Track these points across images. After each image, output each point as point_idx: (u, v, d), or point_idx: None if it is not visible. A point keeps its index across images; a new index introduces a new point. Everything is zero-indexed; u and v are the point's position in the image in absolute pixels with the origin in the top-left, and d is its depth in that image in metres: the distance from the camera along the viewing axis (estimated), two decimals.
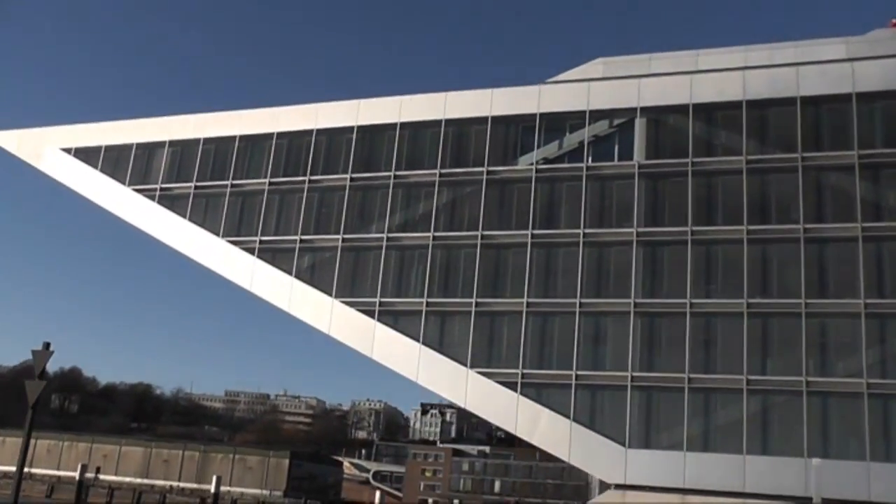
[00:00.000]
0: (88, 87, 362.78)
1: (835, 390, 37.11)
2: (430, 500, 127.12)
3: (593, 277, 41.33)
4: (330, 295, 44.70)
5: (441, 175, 44.67)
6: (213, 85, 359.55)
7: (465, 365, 41.57)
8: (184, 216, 49.40)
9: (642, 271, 40.59)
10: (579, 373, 40.11)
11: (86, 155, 53.52)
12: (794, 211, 39.77)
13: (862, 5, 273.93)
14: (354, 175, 46.32)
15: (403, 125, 46.09)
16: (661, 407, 39.23)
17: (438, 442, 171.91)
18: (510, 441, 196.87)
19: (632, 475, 38.29)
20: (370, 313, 43.82)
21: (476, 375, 41.31)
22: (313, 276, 45.83)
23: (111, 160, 52.79)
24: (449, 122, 45.31)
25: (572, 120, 43.94)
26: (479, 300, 42.35)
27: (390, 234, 44.75)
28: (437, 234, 43.97)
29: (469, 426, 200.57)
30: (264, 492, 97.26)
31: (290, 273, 45.92)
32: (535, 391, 40.56)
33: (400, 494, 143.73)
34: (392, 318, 43.59)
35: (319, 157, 47.48)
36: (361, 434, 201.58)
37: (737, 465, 37.15)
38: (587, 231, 41.69)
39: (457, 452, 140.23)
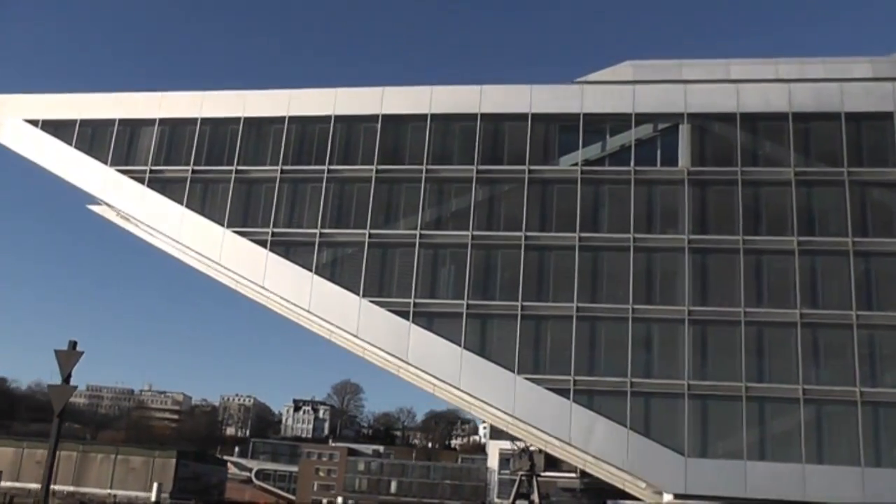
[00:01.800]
0: (50, 54, 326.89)
1: (884, 400, 37.95)
2: (325, 501, 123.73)
3: (642, 283, 40.62)
4: (357, 294, 41.92)
5: (478, 172, 42.74)
6: (197, 60, 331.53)
7: (512, 371, 39.92)
8: (180, 202, 45.16)
9: (692, 278, 40.20)
10: (634, 380, 39.30)
11: (55, 128, 48.18)
12: (835, 223, 40.51)
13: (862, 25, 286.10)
14: (380, 167, 43.65)
15: (434, 117, 43.85)
16: (717, 415, 38.97)
17: (333, 441, 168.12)
18: (387, 439, 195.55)
19: (691, 485, 37.83)
20: (403, 314, 41.40)
21: (524, 382, 39.77)
22: (335, 272, 42.89)
23: (86, 136, 47.74)
24: (485, 116, 43.43)
25: (613, 122, 43.05)
26: (524, 303, 40.78)
27: (423, 232, 42.44)
28: (475, 233, 42.02)
29: (342, 423, 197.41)
30: (150, 494, 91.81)
31: (309, 269, 42.76)
32: (588, 398, 39.47)
33: (285, 494, 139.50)
34: (426, 320, 41.37)
35: (339, 146, 44.49)
36: (230, 431, 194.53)
37: (796, 474, 37.37)
38: (637, 236, 40.90)
39: (352, 452, 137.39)
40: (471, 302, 41.13)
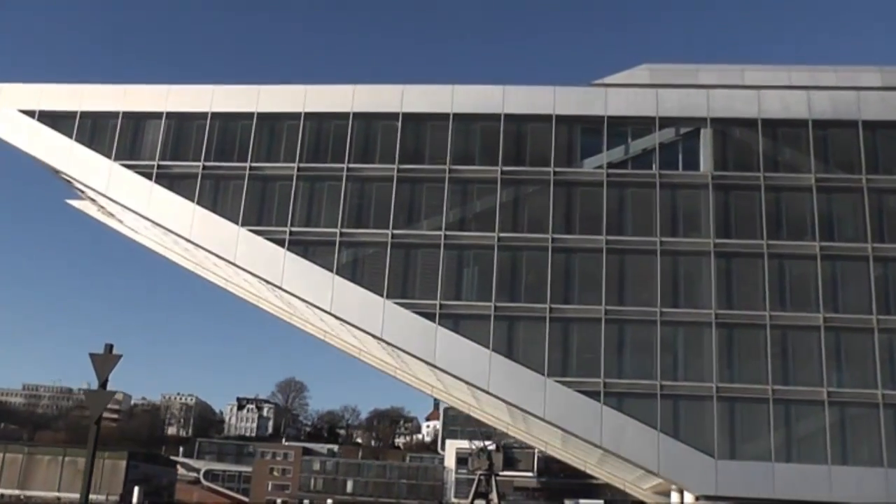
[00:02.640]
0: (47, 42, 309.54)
1: None
2: (279, 501, 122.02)
3: (669, 286, 40.86)
4: (380, 295, 41.20)
5: (503, 173, 42.43)
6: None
7: (542, 373, 39.74)
8: (190, 199, 43.77)
9: (717, 282, 40.59)
10: (663, 383, 39.50)
11: (53, 120, 46.18)
12: (854, 229, 41.38)
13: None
14: (402, 166, 42.99)
15: (457, 116, 43.36)
16: (744, 417, 39.42)
17: (286, 440, 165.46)
18: (331, 438, 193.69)
19: (721, 486, 38.18)
20: (429, 316, 40.86)
21: (554, 384, 39.63)
22: (356, 273, 42.08)
23: (87, 128, 45.89)
24: (508, 117, 43.13)
25: (635, 125, 43.19)
26: (553, 306, 40.64)
27: (448, 233, 41.95)
28: (501, 234, 41.70)
29: (286, 422, 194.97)
30: (99, 497, 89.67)
31: (329, 269, 41.88)
32: (617, 400, 39.53)
33: (234, 494, 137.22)
34: (452, 322, 40.91)
35: (358, 144, 43.67)
36: (171, 430, 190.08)
37: (822, 475, 38.03)
38: (663, 239, 41.12)
39: (306, 451, 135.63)
40: (498, 304, 40.79)
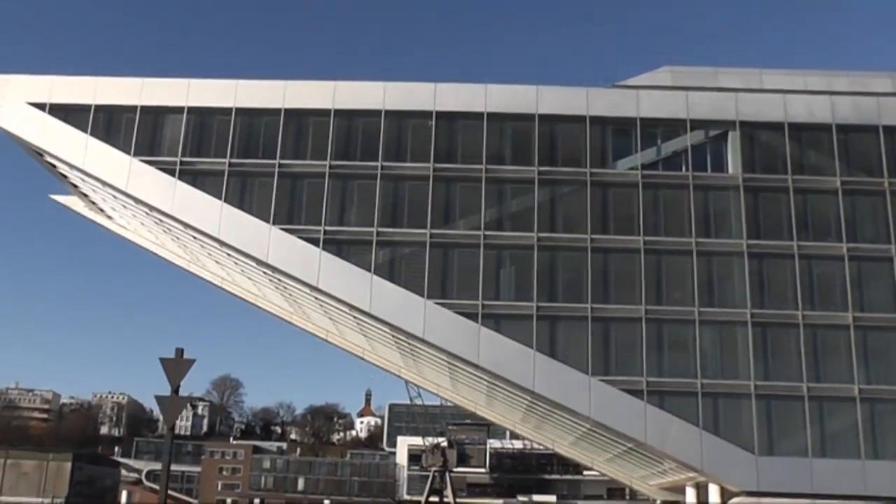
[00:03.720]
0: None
1: None
2: (230, 501, 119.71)
3: (705, 286, 41.62)
4: (420, 295, 40.86)
5: (540, 173, 42.53)
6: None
7: (585, 372, 40.03)
8: (217, 196, 42.58)
9: (749, 282, 41.51)
10: (704, 381, 40.25)
11: (65, 114, 44.37)
12: (876, 231, 42.84)
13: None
14: (438, 165, 42.69)
15: (490, 116, 43.24)
16: (780, 414, 40.43)
17: (233, 439, 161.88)
18: (265, 435, 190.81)
19: (762, 482, 39.10)
20: (471, 317, 40.71)
21: (599, 383, 39.96)
22: (394, 272, 41.62)
23: (103, 123, 44.22)
24: (542, 117, 43.22)
25: (664, 127, 43.81)
26: (594, 306, 40.96)
27: (487, 232, 41.84)
28: (541, 234, 41.81)
29: (220, 420, 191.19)
30: (45, 500, 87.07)
31: (366, 268, 41.31)
32: (659, 399, 40.10)
33: (177, 494, 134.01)
34: (494, 322, 40.85)
35: (390, 142, 43.16)
36: (103, 430, 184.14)
37: (857, 470, 39.31)
38: (698, 241, 41.85)
39: (256, 449, 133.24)
40: (540, 304, 40.90)
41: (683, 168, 43.44)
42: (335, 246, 41.82)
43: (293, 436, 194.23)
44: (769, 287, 41.78)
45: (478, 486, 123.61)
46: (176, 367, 22.16)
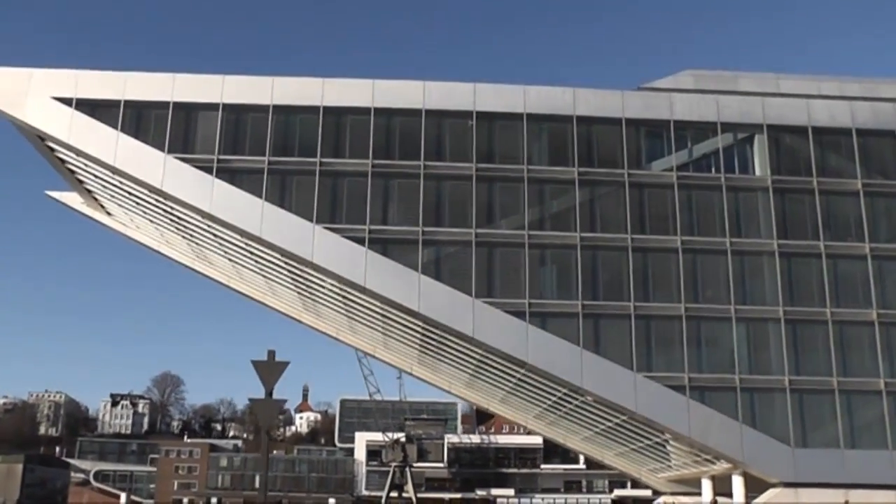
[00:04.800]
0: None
1: None
2: (186, 500, 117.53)
3: (739, 285, 43.02)
4: (469, 294, 41.23)
5: (580, 174, 43.31)
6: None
7: (630, 368, 41.03)
8: (257, 195, 42.12)
9: (781, 280, 43.09)
10: (742, 377, 41.66)
11: (92, 109, 43.25)
12: (891, 231, 44.96)
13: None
14: (480, 165, 43.07)
15: (530, 117, 43.82)
16: (812, 408, 42.12)
17: (187, 437, 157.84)
18: (207, 432, 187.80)
19: (798, 473, 40.70)
20: (519, 315, 41.27)
21: (644, 379, 41.00)
22: (439, 271, 41.88)
23: (133, 119, 43.25)
24: (580, 119, 43.99)
25: (694, 129, 45.06)
26: (636, 304, 41.97)
27: (531, 232, 42.43)
28: (583, 234, 42.61)
29: (162, 418, 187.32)
30: None
31: (412, 267, 41.47)
32: (700, 394, 41.36)
33: (123, 494, 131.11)
34: (540, 320, 41.51)
35: (430, 141, 43.34)
36: (40, 429, 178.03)
37: (885, 460, 41.28)
38: (732, 240, 43.23)
39: (213, 448, 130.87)
40: (585, 302, 41.69)
41: (713, 170, 44.77)
42: (379, 245, 41.84)
43: (233, 432, 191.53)
44: (798, 285, 43.40)
45: (436, 481, 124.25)
46: (270, 370, 22.05)
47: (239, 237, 44.52)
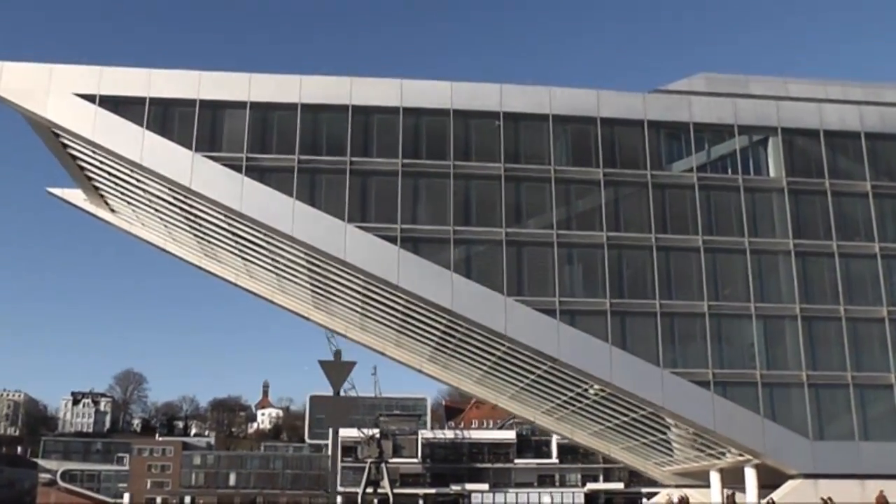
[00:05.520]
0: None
1: None
2: (160, 499, 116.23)
3: (758, 283, 44.37)
4: (500, 292, 41.92)
5: (605, 174, 44.23)
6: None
7: (657, 364, 42.12)
8: (287, 193, 42.28)
9: (797, 279, 44.54)
10: (763, 372, 43.02)
11: (116, 106, 42.98)
12: None
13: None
14: (508, 165, 43.77)
15: (556, 118, 44.62)
16: (828, 401, 43.65)
17: (159, 436, 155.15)
18: (170, 430, 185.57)
19: (817, 464, 42.16)
20: (550, 313, 42.08)
21: (670, 375, 42.12)
22: (470, 269, 42.48)
23: (159, 116, 43.08)
24: (604, 120, 44.91)
25: (711, 132, 46.28)
26: (662, 302, 43.06)
27: (560, 231, 43.25)
28: (609, 233, 43.56)
29: (124, 416, 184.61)
30: None
31: (444, 266, 42.03)
32: (723, 388, 42.61)
33: (94, 495, 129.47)
34: (570, 318, 42.37)
35: (459, 141, 43.90)
36: None
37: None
38: (750, 240, 44.56)
39: (185, 446, 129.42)
40: (613, 300, 42.65)
41: (729, 171, 46.04)
42: (411, 244, 42.29)
43: (195, 430, 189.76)
44: (813, 283, 44.89)
45: (410, 477, 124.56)
46: (337, 369, 22.35)
47: (261, 236, 44.64)
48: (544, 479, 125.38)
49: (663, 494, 57.08)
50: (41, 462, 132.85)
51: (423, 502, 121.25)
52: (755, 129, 46.46)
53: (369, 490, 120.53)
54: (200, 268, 58.53)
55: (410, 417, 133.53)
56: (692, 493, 53.15)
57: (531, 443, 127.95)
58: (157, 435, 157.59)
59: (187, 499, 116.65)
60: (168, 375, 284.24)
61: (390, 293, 43.54)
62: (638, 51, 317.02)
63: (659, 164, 45.34)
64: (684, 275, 44.01)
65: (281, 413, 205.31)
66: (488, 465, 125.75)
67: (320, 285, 49.21)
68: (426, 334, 48.78)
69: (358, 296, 47.29)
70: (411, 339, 51.79)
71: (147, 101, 43.09)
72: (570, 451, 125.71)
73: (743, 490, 46.07)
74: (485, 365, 50.02)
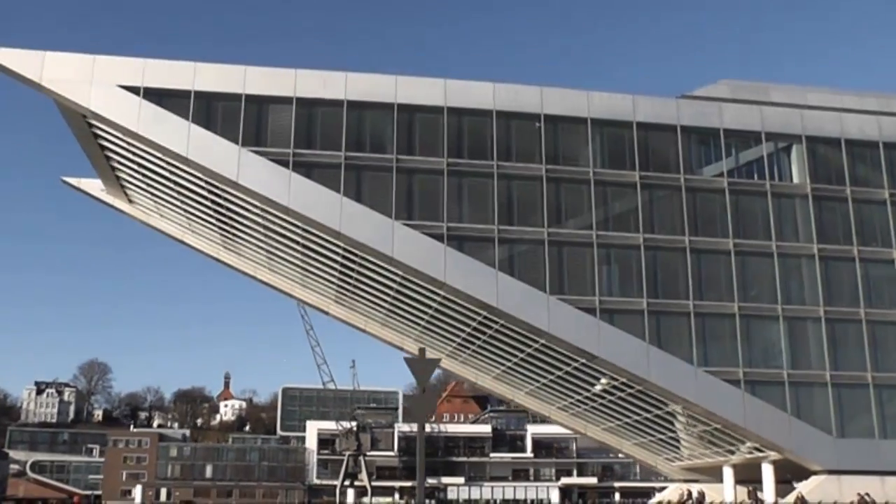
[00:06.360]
0: None
1: None
2: (137, 489, 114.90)
3: (785, 286, 46.05)
4: (543, 291, 42.95)
5: (641, 177, 45.47)
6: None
7: (691, 363, 43.54)
8: (335, 189, 42.76)
9: (820, 282, 46.33)
10: (789, 371, 44.73)
11: (160, 98, 42.99)
12: None
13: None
14: (550, 167, 44.79)
15: (594, 121, 45.74)
16: (850, 400, 45.48)
17: (134, 427, 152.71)
18: (134, 421, 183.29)
19: (840, 461, 43.98)
20: (590, 311, 43.23)
21: (703, 373, 43.56)
22: (514, 268, 43.42)
23: (203, 110, 43.20)
24: (639, 125, 46.14)
25: (737, 138, 47.82)
26: (695, 302, 44.49)
27: (599, 232, 44.41)
28: (646, 235, 44.83)
29: (89, 407, 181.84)
30: None
31: (489, 265, 42.92)
32: (752, 387, 44.20)
33: (65, 486, 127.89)
34: (608, 317, 43.56)
35: (501, 142, 44.76)
36: None
37: None
38: (778, 244, 46.22)
39: (161, 437, 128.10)
40: (650, 300, 43.95)
41: (755, 176, 47.62)
42: (456, 242, 43.06)
43: (158, 421, 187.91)
44: (835, 286, 46.71)
45: (387, 470, 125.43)
46: (423, 367, 23.05)
47: (298, 231, 45.02)
48: (519, 474, 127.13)
49: (675, 489, 58.61)
50: (10, 452, 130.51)
51: (398, 495, 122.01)
52: (780, 136, 48.09)
53: (346, 482, 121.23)
54: (218, 260, 58.65)
55: (387, 410, 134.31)
56: (698, 489, 54.84)
57: (506, 437, 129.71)
58: (131, 426, 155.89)
59: (163, 490, 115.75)
60: (134, 366, 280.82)
61: (430, 289, 44.25)
62: (637, 52, 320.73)
63: (690, 168, 46.72)
64: (715, 276, 45.48)
65: (244, 405, 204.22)
66: (464, 459, 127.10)
67: (351, 281, 49.69)
68: (455, 331, 49.59)
69: (391, 292, 47.85)
70: (436, 336, 52.54)
71: (192, 94, 43.16)
72: (544, 447, 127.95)
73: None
74: (510, 361, 51.03)
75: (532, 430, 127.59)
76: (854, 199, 47.92)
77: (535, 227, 43.96)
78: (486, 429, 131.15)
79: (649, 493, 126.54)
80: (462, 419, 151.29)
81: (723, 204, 46.36)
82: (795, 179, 48.03)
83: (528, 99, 45.41)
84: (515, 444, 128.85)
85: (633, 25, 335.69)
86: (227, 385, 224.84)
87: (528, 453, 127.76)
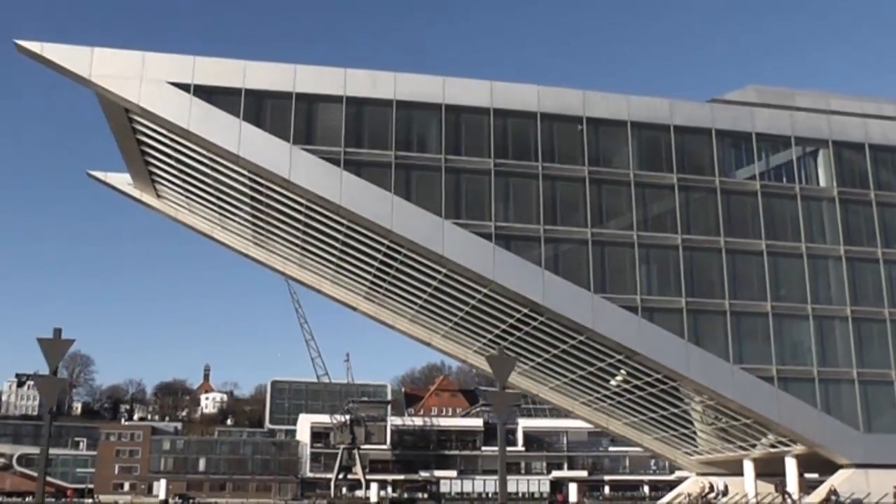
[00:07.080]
0: None
1: None
2: (128, 484, 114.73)
3: (814, 286, 47.72)
4: (587, 289, 44.18)
5: (679, 179, 46.84)
6: None
7: (728, 360, 45.04)
8: (385, 188, 43.60)
9: (847, 283, 48.09)
10: (819, 369, 46.41)
11: (209, 95, 43.43)
12: None
13: None
14: (592, 168, 46.00)
15: (633, 124, 46.99)
16: (875, 397, 47.29)
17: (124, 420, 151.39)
18: (114, 414, 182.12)
19: (867, 455, 45.74)
20: (632, 310, 44.54)
21: (739, 371, 45.09)
22: (559, 267, 44.58)
23: (253, 108, 43.74)
24: (676, 128, 47.48)
25: (767, 142, 49.39)
26: (731, 301, 45.99)
27: (640, 233, 45.71)
28: (683, 236, 46.21)
29: (70, 400, 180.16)
30: None
31: (535, 263, 44.06)
32: (784, 384, 45.82)
33: (53, 480, 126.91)
34: (649, 315, 44.91)
35: (545, 143, 45.88)
36: None
37: None
38: (807, 245, 47.86)
39: (154, 431, 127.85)
40: (688, 299, 45.36)
41: (784, 179, 49.21)
42: (503, 241, 44.10)
43: (139, 414, 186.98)
44: (862, 287, 48.48)
45: (380, 463, 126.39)
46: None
47: (340, 228, 45.77)
48: (510, 467, 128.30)
49: (694, 482, 60.16)
50: None
51: (391, 488, 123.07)
52: (809, 140, 49.69)
53: (340, 475, 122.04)
54: (247, 256, 59.12)
55: (380, 404, 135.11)
56: (714, 482, 56.47)
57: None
58: (122, 420, 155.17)
59: (156, 484, 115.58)
60: (116, 358, 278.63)
61: (472, 287, 45.25)
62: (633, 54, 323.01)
63: (724, 170, 48.16)
64: (748, 276, 47.00)
65: (225, 397, 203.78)
66: (456, 453, 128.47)
67: (387, 279, 50.48)
68: (488, 328, 50.65)
69: (428, 289, 48.75)
70: (468, 333, 53.60)
71: (242, 92, 43.68)
72: (535, 440, 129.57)
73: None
74: (540, 357, 52.21)
75: (523, 424, 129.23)
76: (878, 202, 49.67)
77: (578, 227, 45.14)
78: (477, 422, 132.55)
79: (637, 486, 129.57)
80: (450, 413, 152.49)
81: (755, 206, 47.85)
82: (822, 183, 49.67)
83: (571, 101, 46.52)
84: (507, 437, 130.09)
85: (633, 25, 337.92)
86: (206, 378, 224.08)
87: (520, 447, 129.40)
